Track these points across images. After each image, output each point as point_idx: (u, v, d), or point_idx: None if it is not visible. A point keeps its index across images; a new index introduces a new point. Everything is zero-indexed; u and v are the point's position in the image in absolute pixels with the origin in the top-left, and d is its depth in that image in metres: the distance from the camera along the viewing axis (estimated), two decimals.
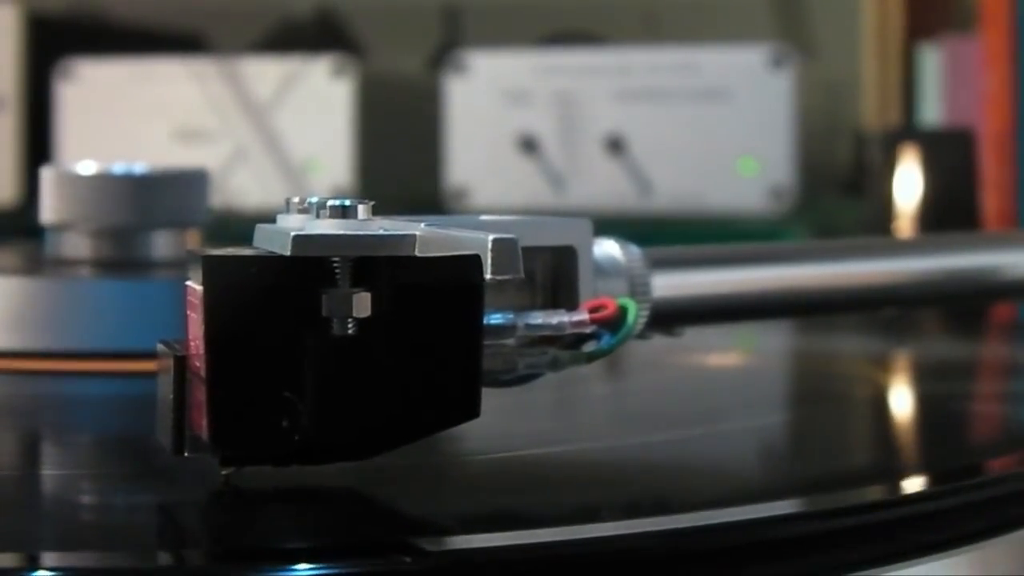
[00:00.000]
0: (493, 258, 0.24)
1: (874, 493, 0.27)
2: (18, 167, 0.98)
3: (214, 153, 0.94)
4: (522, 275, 0.24)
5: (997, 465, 0.29)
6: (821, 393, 0.40)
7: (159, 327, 0.26)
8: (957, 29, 0.87)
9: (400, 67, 1.06)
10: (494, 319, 0.26)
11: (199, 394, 0.23)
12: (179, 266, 0.38)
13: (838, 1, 1.02)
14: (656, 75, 0.90)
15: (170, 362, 0.24)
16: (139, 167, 0.41)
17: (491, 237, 0.24)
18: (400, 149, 0.98)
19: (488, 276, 0.24)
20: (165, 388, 0.24)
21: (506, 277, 0.24)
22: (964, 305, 0.50)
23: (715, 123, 0.88)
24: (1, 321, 0.37)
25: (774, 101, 0.88)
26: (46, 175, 0.41)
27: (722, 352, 0.46)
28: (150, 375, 0.25)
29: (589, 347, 0.27)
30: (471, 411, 0.24)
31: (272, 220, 0.26)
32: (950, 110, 0.83)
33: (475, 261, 0.24)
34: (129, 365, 0.35)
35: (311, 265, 0.23)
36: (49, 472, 0.29)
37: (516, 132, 0.91)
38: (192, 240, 0.42)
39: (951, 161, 0.74)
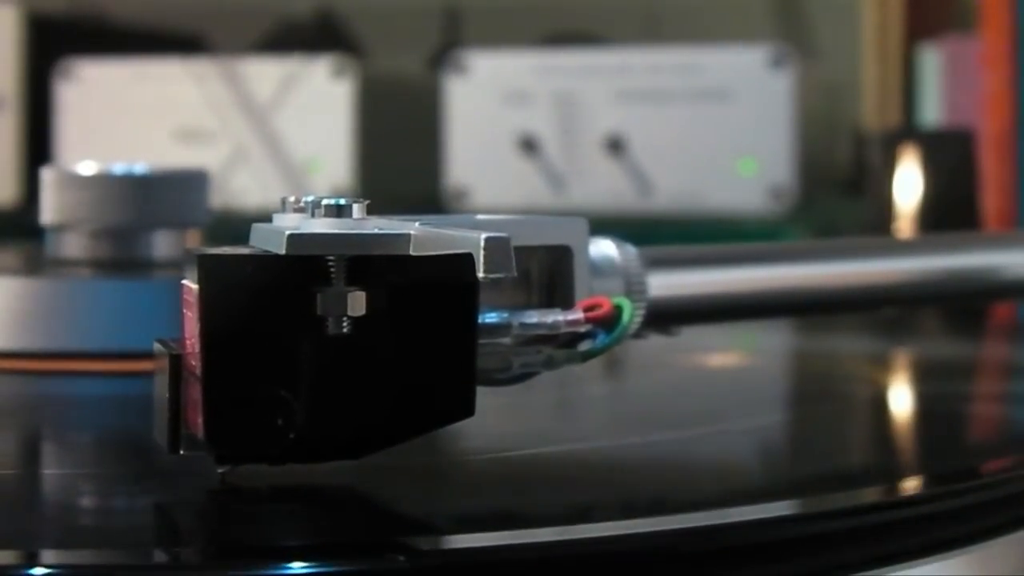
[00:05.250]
0: (485, 257, 0.24)
1: (874, 493, 0.26)
2: (18, 167, 0.98)
3: (214, 153, 0.94)
4: (515, 274, 0.24)
5: (996, 466, 0.29)
6: (821, 393, 0.40)
7: (159, 327, 0.26)
8: (957, 29, 0.87)
9: (400, 67, 1.06)
10: (489, 318, 0.26)
11: (194, 393, 0.23)
12: (179, 266, 0.38)
13: (838, 1, 1.02)
14: (656, 75, 0.90)
15: (166, 361, 0.24)
16: (139, 167, 0.41)
17: (483, 236, 0.24)
18: (400, 149, 0.98)
19: (480, 275, 0.24)
20: (161, 387, 0.24)
21: (498, 276, 0.24)
22: (964, 305, 0.50)
23: (715, 123, 0.88)
24: (1, 321, 0.37)
25: (774, 101, 0.88)
26: (46, 175, 0.41)
27: (722, 352, 0.46)
28: (149, 375, 0.25)
29: (584, 346, 0.27)
30: (466, 410, 0.24)
31: (271, 220, 0.26)
32: (950, 110, 0.83)
33: (468, 260, 0.24)
34: (128, 365, 0.35)
35: (306, 264, 0.23)
36: (47, 471, 0.29)
37: (516, 132, 0.91)
38: (192, 240, 0.42)
39: (951, 161, 0.74)
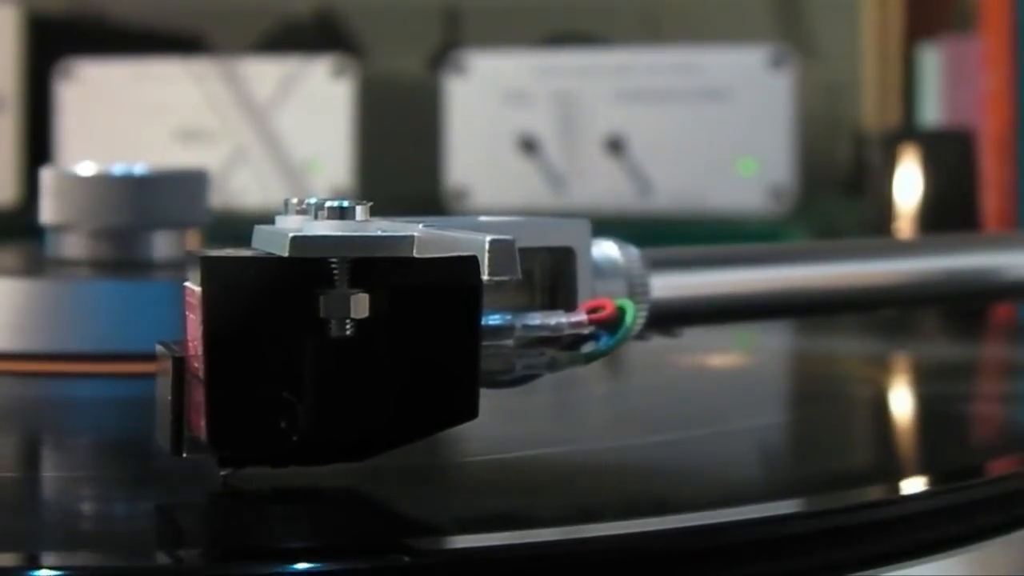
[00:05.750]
0: (490, 259, 0.24)
1: (874, 493, 0.27)
2: (18, 167, 0.98)
3: (214, 153, 0.94)
4: (519, 276, 0.24)
5: (997, 465, 0.29)
6: (821, 393, 0.40)
7: (159, 328, 0.26)
8: (957, 29, 0.87)
9: (400, 67, 1.06)
10: (492, 320, 0.26)
11: (197, 395, 0.23)
12: (179, 266, 0.38)
13: (838, 1, 1.02)
14: (656, 75, 0.90)
15: (168, 363, 0.24)
16: (139, 167, 0.41)
17: (488, 238, 0.24)
18: (400, 149, 0.98)
19: (485, 277, 0.24)
20: (164, 389, 0.24)
21: (503, 278, 0.24)
22: (964, 305, 0.50)
23: (715, 123, 0.88)
24: (1, 322, 0.37)
25: (774, 101, 0.88)
26: (46, 175, 0.41)
27: (722, 352, 0.46)
28: (150, 376, 0.25)
29: (587, 348, 0.27)
30: (469, 412, 0.24)
31: (271, 221, 0.26)
32: (950, 110, 0.83)
33: (472, 262, 0.24)
34: (129, 367, 0.35)
35: (309, 266, 0.23)
36: (48, 474, 0.29)
37: (516, 132, 0.91)
38: (192, 240, 0.42)
39: (951, 161, 0.74)
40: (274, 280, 0.23)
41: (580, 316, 0.27)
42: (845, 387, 0.42)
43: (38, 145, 0.98)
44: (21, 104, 0.99)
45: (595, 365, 0.27)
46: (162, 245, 0.41)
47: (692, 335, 0.33)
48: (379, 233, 0.24)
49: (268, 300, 0.23)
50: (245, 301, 0.23)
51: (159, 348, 0.25)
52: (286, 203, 0.26)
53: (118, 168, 0.41)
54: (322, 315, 0.23)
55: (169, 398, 0.24)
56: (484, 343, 0.24)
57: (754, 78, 0.88)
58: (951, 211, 0.72)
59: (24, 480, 0.28)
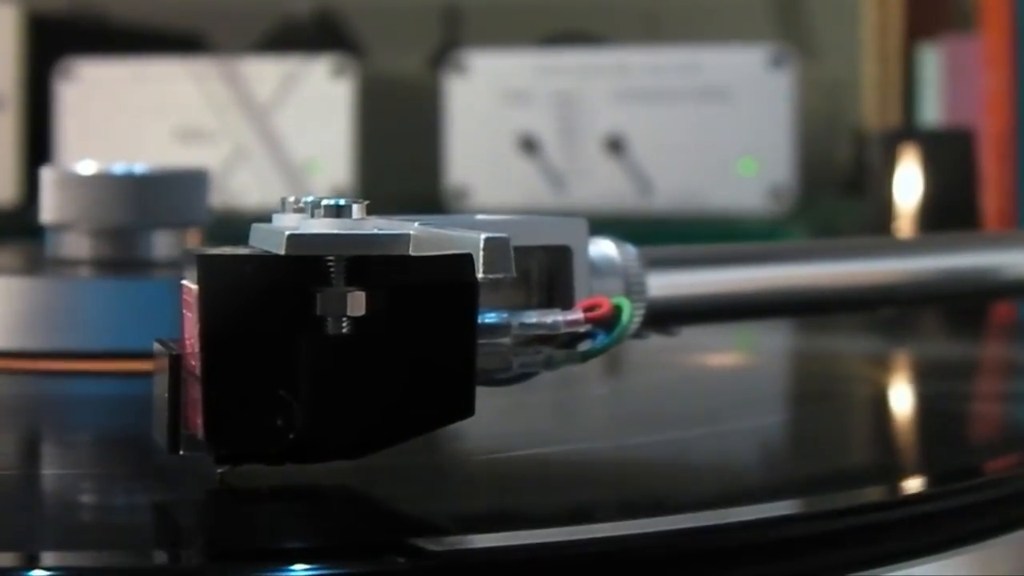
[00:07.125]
0: (484, 257, 0.24)
1: (874, 493, 0.26)
2: (18, 167, 0.99)
3: (214, 153, 0.94)
4: (514, 274, 0.24)
5: (997, 465, 0.29)
6: (821, 393, 0.40)
7: (159, 327, 0.26)
8: (957, 29, 0.87)
9: (400, 67, 1.06)
10: (489, 318, 0.26)
11: (194, 393, 0.23)
12: (179, 266, 0.38)
13: (838, 1, 1.02)
14: (656, 75, 0.90)
15: (165, 361, 0.24)
16: (139, 167, 0.41)
17: (483, 236, 0.24)
18: (400, 149, 0.98)
19: (480, 275, 0.24)
20: (160, 387, 0.24)
21: (498, 276, 0.24)
22: (964, 305, 0.50)
23: (715, 123, 0.88)
24: (1, 321, 0.37)
25: (774, 101, 0.88)
26: (46, 175, 0.41)
27: (722, 352, 0.46)
28: (149, 375, 0.25)
29: (584, 346, 0.27)
30: (465, 410, 0.24)
31: (270, 220, 0.26)
32: (950, 110, 0.83)
33: (467, 260, 0.24)
34: (129, 365, 0.35)
35: (306, 264, 0.23)
36: (47, 471, 0.29)
37: (516, 132, 0.91)
38: (192, 240, 0.42)
39: (951, 161, 0.74)
40: (271, 278, 0.23)
41: (577, 314, 0.26)
42: (845, 386, 0.41)
43: (38, 145, 0.98)
44: (21, 104, 0.99)
45: (593, 364, 0.27)
46: (162, 245, 0.41)
47: (692, 335, 0.33)
48: (375, 231, 0.24)
49: (265, 298, 0.23)
50: (242, 299, 0.23)
51: (156, 346, 0.25)
52: (283, 201, 0.26)
53: (118, 167, 0.41)
54: (319, 313, 0.23)
55: (166, 396, 0.24)
56: (481, 341, 0.24)
57: (754, 78, 0.88)
58: (951, 211, 0.72)
59: (23, 477, 0.28)
